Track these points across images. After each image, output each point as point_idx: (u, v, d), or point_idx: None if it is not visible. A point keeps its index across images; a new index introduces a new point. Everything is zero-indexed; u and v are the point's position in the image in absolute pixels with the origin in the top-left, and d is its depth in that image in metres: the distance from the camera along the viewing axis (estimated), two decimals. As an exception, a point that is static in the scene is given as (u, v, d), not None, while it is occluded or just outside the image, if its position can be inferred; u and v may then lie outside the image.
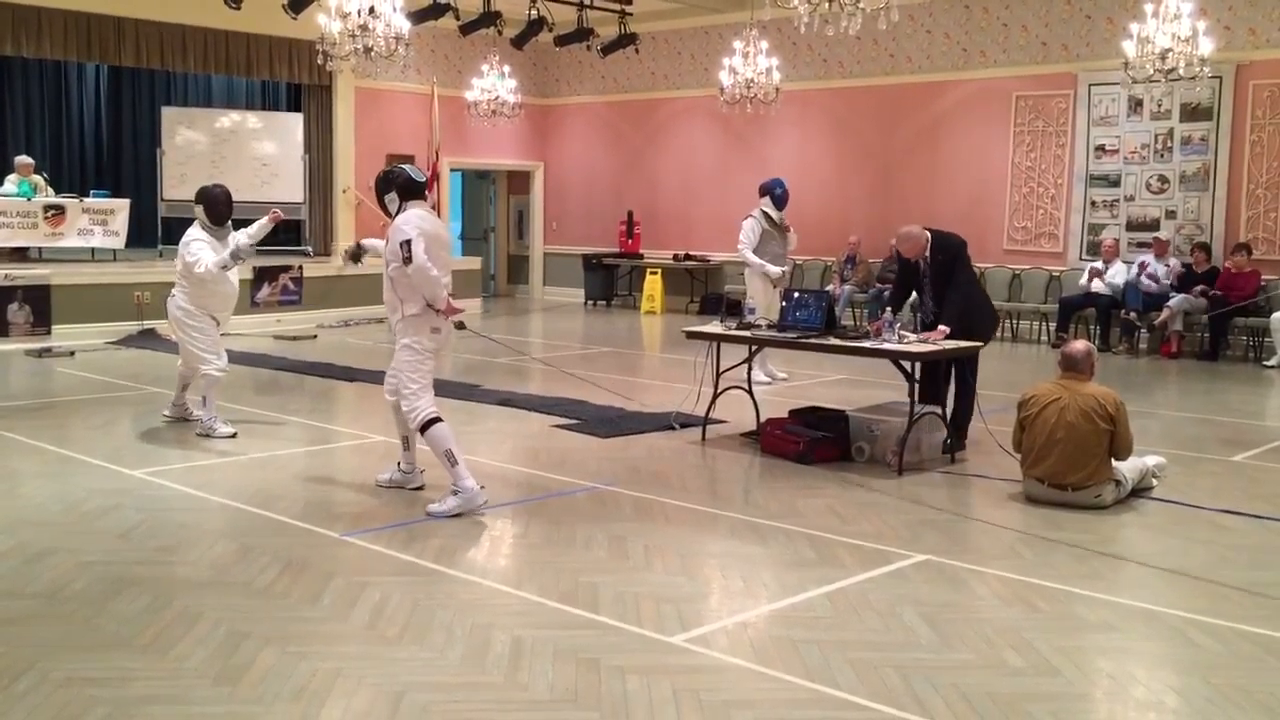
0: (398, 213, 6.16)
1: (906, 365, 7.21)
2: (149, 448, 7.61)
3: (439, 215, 17.69)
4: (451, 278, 6.40)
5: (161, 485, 6.58)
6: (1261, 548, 5.65)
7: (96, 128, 19.79)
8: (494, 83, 16.45)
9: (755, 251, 10.60)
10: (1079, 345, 6.55)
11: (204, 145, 17.00)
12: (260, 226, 8.12)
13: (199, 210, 7.98)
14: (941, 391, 7.53)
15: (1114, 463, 6.33)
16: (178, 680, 3.88)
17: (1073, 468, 6.24)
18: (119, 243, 15.14)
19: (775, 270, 10.61)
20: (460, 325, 6.77)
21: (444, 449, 6.03)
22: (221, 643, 4.20)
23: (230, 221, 8.11)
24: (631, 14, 16.50)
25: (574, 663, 4.06)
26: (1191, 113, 13.29)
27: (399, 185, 6.20)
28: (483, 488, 6.10)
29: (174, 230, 16.84)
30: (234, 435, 7.84)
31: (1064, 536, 5.83)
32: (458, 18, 14.71)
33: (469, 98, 16.65)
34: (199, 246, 7.83)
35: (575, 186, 19.54)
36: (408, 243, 5.93)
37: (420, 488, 6.45)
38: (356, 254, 7.07)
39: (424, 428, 6.08)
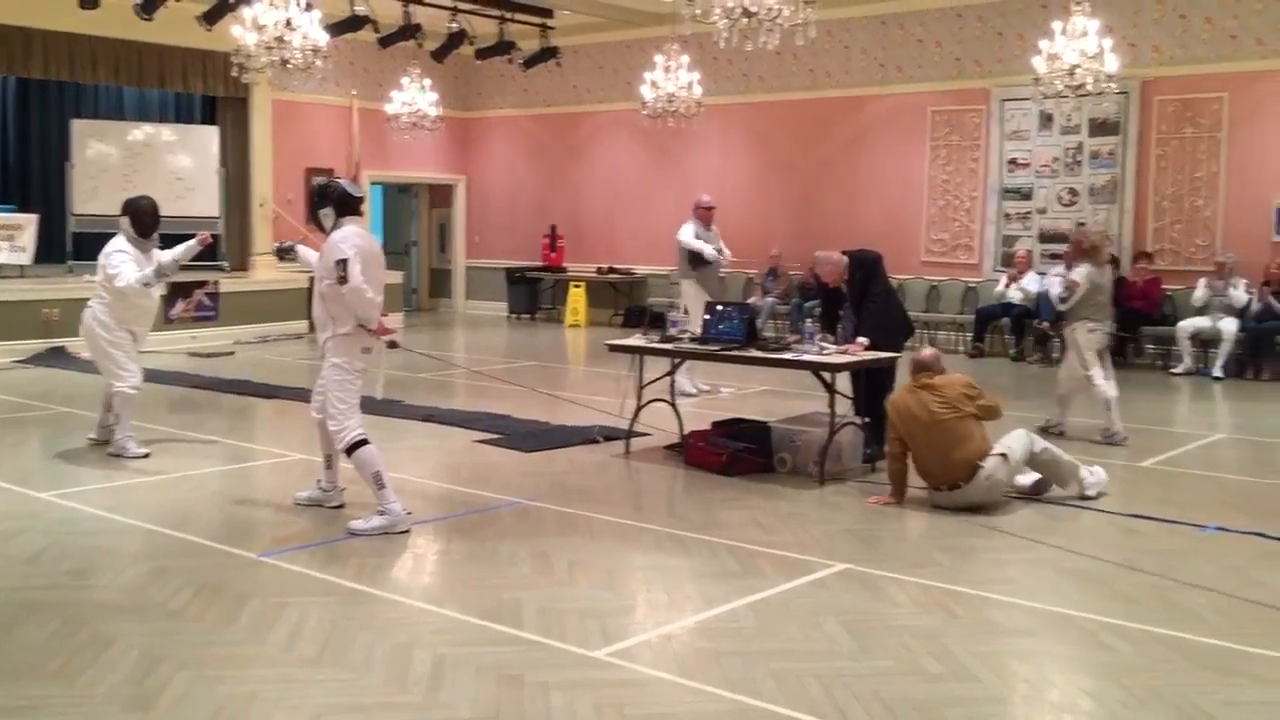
0: (333, 228, 6.02)
1: (826, 376, 7.29)
2: (59, 469, 7.41)
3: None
4: (384, 296, 6.30)
5: (72, 508, 6.41)
6: (1171, 551, 5.80)
7: (3, 141, 19.21)
8: (415, 95, 16.35)
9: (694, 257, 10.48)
10: (928, 352, 6.88)
11: (116, 159, 16.61)
12: (188, 248, 7.91)
13: (124, 222, 7.75)
14: (876, 403, 7.61)
15: (996, 446, 6.53)
16: (87, 708, 3.78)
17: (958, 462, 6.42)
18: (26, 259, 14.74)
19: (710, 251, 10.42)
20: (393, 345, 6.67)
21: (372, 471, 5.93)
22: (133, 668, 4.10)
23: (157, 236, 7.91)
24: (553, 28, 16.53)
25: (496, 680, 4.03)
26: (1099, 127, 13.65)
27: (335, 200, 6.06)
28: (409, 512, 6.02)
29: (84, 246, 16.44)
30: (147, 455, 7.65)
31: (980, 543, 5.93)
32: (377, 30, 14.61)
33: (389, 110, 16.51)
34: (121, 259, 7.61)
35: (498, 200, 19.47)
36: (344, 262, 5.81)
37: (340, 506, 6.36)
38: (284, 252, 6.94)
39: (351, 449, 5.98)
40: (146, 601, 4.86)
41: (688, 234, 10.46)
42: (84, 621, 4.57)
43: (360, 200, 6.19)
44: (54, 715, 3.73)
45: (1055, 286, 8.74)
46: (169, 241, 8.11)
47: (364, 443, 5.98)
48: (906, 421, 6.58)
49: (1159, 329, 12.89)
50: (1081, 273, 8.69)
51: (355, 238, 5.95)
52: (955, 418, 6.49)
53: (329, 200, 6.08)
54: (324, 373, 6.11)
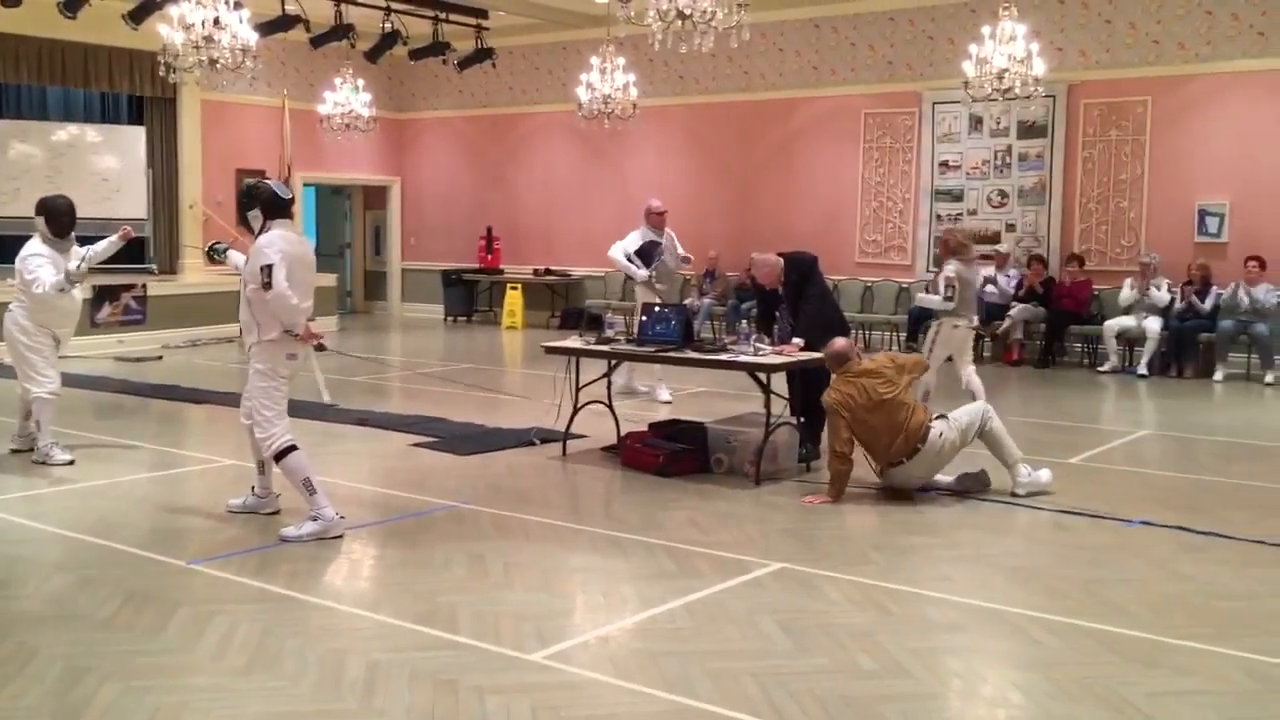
0: (260, 231, 5.92)
1: (762, 377, 7.34)
2: (-21, 477, 7.23)
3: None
4: (314, 300, 6.19)
5: (-7, 516, 6.25)
6: (1098, 546, 5.92)
7: (-79, 141, 18.72)
8: (348, 96, 16.16)
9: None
10: (841, 342, 7.04)
11: (40, 159, 16.24)
12: (109, 244, 7.73)
13: (39, 222, 7.53)
14: (812, 402, 7.66)
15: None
16: (12, 719, 3.70)
17: (914, 430, 6.66)
18: (-54, 262, 14.35)
19: (641, 274, 10.26)
20: (320, 347, 6.57)
21: (301, 477, 5.85)
22: (59, 679, 4.01)
23: (74, 235, 7.69)
24: (488, 29, 16.44)
25: (431, 685, 4.00)
26: (1028, 130, 13.89)
27: (262, 201, 5.95)
28: (341, 517, 5.95)
29: (6, 247, 15.98)
30: (71, 462, 7.47)
31: (914, 541, 6.00)
32: (308, 30, 14.41)
33: (322, 111, 16.31)
34: (38, 263, 7.41)
35: (434, 201, 19.33)
36: (269, 268, 5.70)
37: (276, 512, 6.26)
38: (215, 253, 6.81)
39: (279, 456, 5.90)
40: (72, 611, 4.75)
41: (618, 251, 10.32)
42: (7, 633, 4.46)
43: (290, 202, 6.08)
44: (-26, 730, 3.64)
45: (934, 292, 8.88)
46: (90, 242, 7.89)
47: (292, 449, 5.90)
48: (855, 411, 6.66)
49: (1086, 328, 13.15)
50: (952, 269, 8.87)
51: (281, 242, 5.85)
52: (897, 391, 6.71)
53: (257, 201, 5.97)
54: (250, 379, 6.02)
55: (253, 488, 6.35)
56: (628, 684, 4.05)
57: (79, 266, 7.52)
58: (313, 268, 6.26)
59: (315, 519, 5.84)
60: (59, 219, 7.54)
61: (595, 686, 4.05)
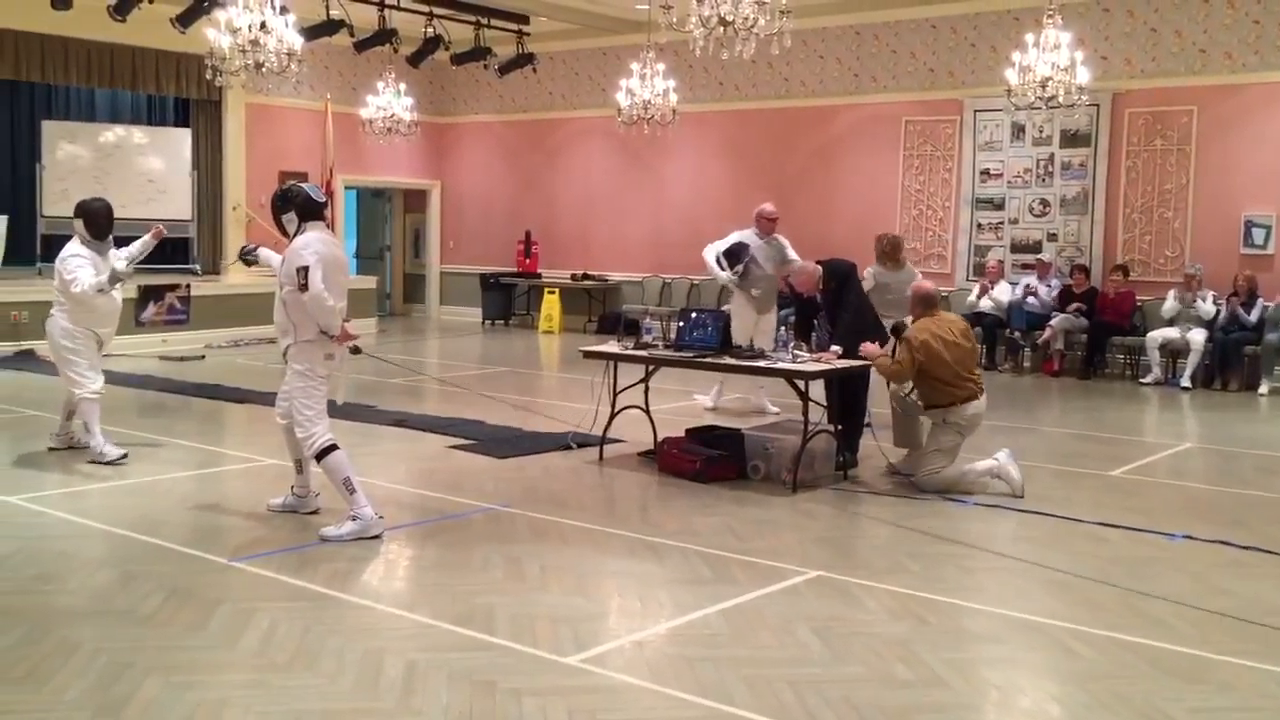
0: (295, 234, 5.97)
1: (800, 384, 7.32)
2: (25, 473, 7.34)
3: (333, 233, 17.52)
4: (347, 301, 6.22)
5: (39, 511, 6.35)
6: (1138, 559, 5.86)
7: (-28, 141, 19.05)
8: (390, 100, 16.29)
9: (742, 277, 9.82)
10: (927, 284, 7.66)
11: (87, 160, 16.48)
12: (143, 244, 7.84)
13: (78, 225, 7.63)
14: (850, 410, 7.66)
15: None
16: (55, 714, 3.75)
17: (978, 375, 7.40)
18: (-6, 260, 14.61)
19: (724, 276, 9.83)
20: (356, 350, 6.61)
21: (342, 477, 5.89)
22: (102, 674, 4.07)
23: (112, 237, 7.79)
24: (529, 34, 16.53)
25: (469, 686, 4.02)
26: (1071, 139, 13.78)
27: (297, 205, 6.00)
28: (380, 517, 5.99)
29: (54, 247, 16.09)
30: (125, 457, 7.54)
31: (951, 551, 5.97)
32: (352, 34, 14.56)
33: (364, 115, 16.45)
34: (78, 264, 7.50)
35: (472, 205, 19.45)
36: (305, 269, 5.76)
37: (315, 511, 6.32)
38: (248, 255, 6.84)
39: (320, 455, 5.94)
40: (115, 607, 4.82)
41: (710, 251, 9.96)
42: (51, 627, 4.53)
43: (324, 205, 6.13)
44: (21, 721, 3.69)
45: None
46: (126, 243, 7.95)
47: (333, 448, 5.94)
48: (938, 341, 7.12)
49: (1128, 339, 13.01)
50: (869, 272, 9.05)
51: (317, 244, 5.90)
52: (970, 347, 7.38)
53: (292, 205, 6.01)
54: (288, 379, 6.07)
55: (292, 487, 6.40)
56: (664, 689, 4.06)
57: (126, 267, 7.62)
58: (346, 270, 6.31)
59: (354, 518, 5.88)
60: (97, 221, 7.62)
61: (631, 691, 4.06)
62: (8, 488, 6.85)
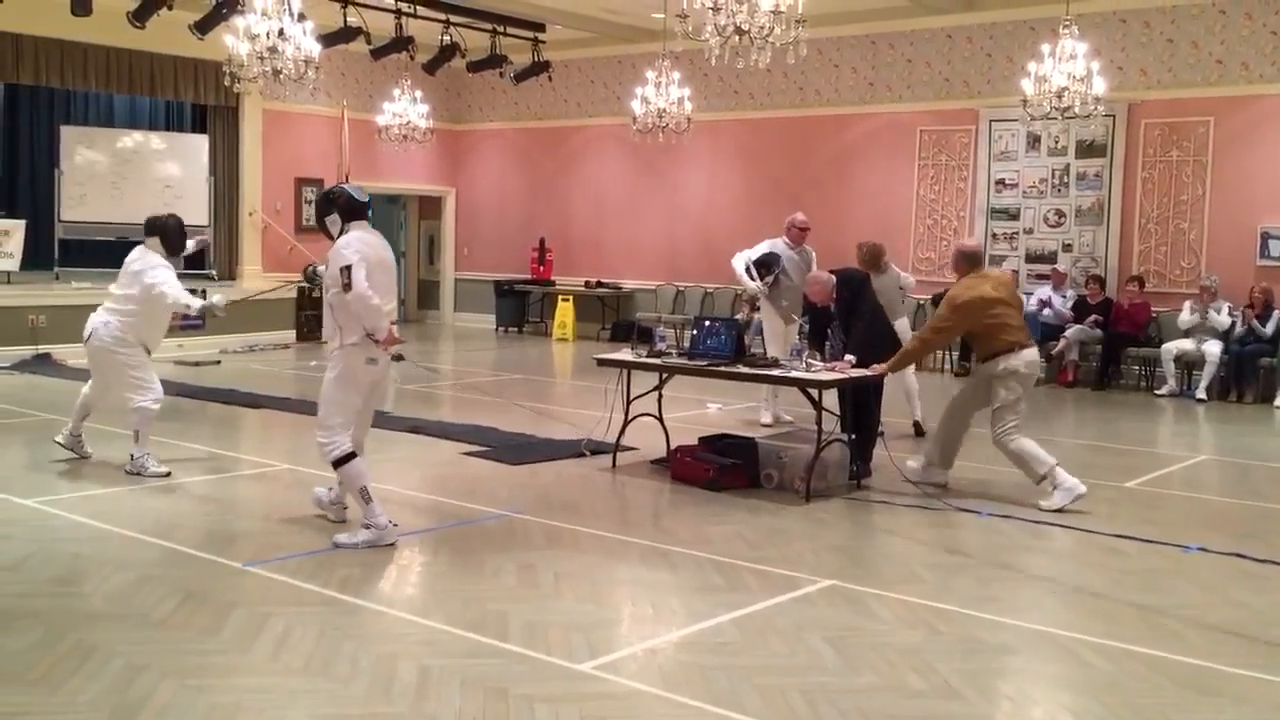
0: (339, 234, 5.90)
1: (814, 393, 7.32)
2: (41, 476, 7.38)
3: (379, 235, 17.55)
4: (396, 305, 6.14)
5: (54, 515, 6.39)
6: (1153, 571, 5.84)
7: (-9, 146, 19.20)
8: (405, 107, 16.36)
9: (772, 287, 9.73)
10: (974, 242, 7.92)
11: (105, 166, 16.59)
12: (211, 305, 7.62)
13: (154, 242, 7.46)
14: (863, 420, 7.65)
15: None
16: (71, 716, 3.77)
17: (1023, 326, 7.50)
18: (13, 264, 14.69)
19: (754, 286, 9.77)
20: (398, 357, 6.53)
21: (359, 486, 5.85)
22: (117, 677, 4.09)
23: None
24: (544, 42, 16.58)
25: (482, 692, 4.03)
26: (1087, 149, 13.75)
27: (340, 206, 5.93)
28: (395, 524, 5.96)
29: (71, 252, 16.45)
30: (168, 475, 7.34)
31: (964, 561, 5.96)
32: (369, 41, 14.63)
33: (380, 122, 16.53)
34: (166, 274, 7.33)
35: (487, 212, 19.50)
36: (348, 268, 5.67)
37: (341, 520, 6.23)
38: (312, 276, 6.74)
39: (338, 463, 5.89)
40: (130, 610, 4.84)
41: (740, 260, 9.85)
42: (67, 630, 4.56)
43: (367, 205, 6.03)
44: (36, 723, 3.72)
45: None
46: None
47: (352, 456, 5.91)
48: (997, 291, 7.31)
49: (1143, 350, 12.97)
50: None
51: (359, 243, 5.82)
52: (1020, 302, 7.63)
53: (334, 206, 5.94)
54: (324, 383, 5.96)
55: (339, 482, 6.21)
56: (676, 696, 4.06)
57: (222, 305, 7.55)
58: (393, 271, 6.19)
59: (369, 526, 5.87)
60: (172, 237, 7.52)
61: (643, 698, 4.07)
62: (24, 490, 6.90)
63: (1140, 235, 13.52)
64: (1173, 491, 7.88)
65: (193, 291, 7.87)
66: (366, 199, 6.07)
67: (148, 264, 7.38)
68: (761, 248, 9.93)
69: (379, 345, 5.89)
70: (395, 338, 5.97)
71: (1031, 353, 7.37)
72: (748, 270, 9.79)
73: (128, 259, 7.54)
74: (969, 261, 7.53)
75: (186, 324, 14.70)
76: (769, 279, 9.68)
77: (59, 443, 7.80)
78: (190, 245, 7.88)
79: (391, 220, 20.82)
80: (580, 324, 17.66)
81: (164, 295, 7.30)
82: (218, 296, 7.62)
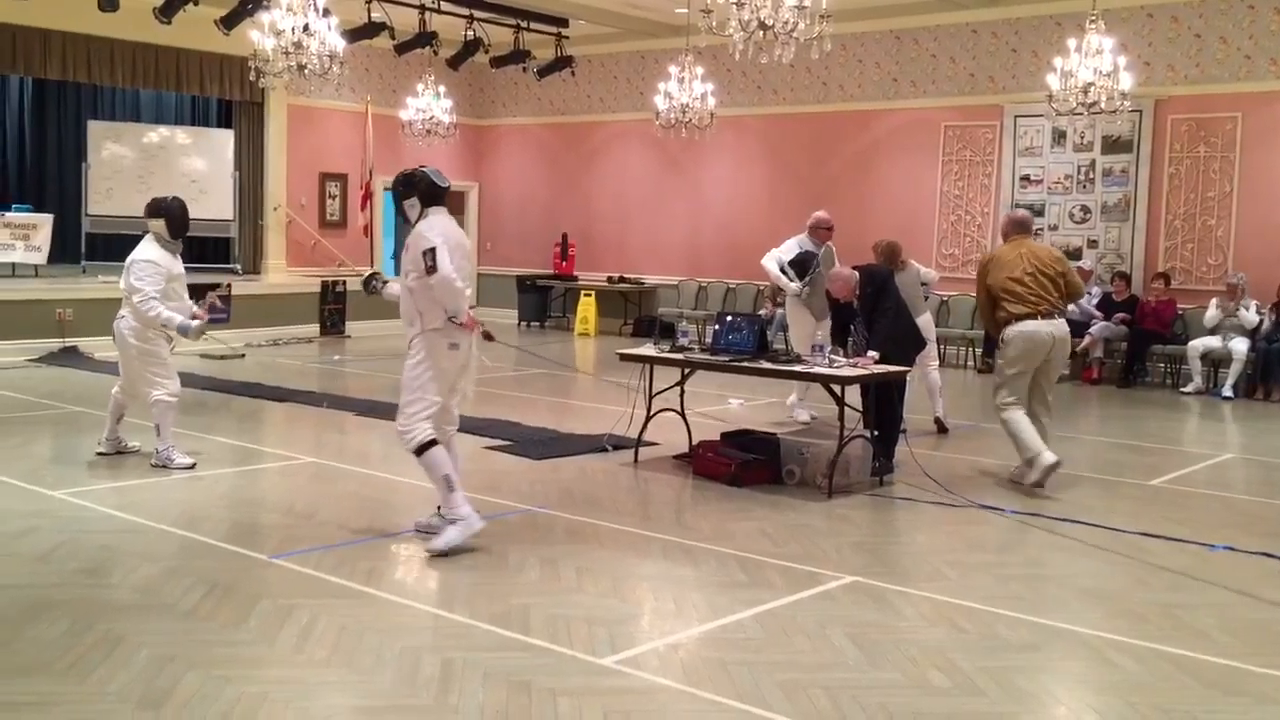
0: (418, 219, 5.81)
1: (836, 389, 7.31)
2: (69, 468, 7.45)
3: (369, 234, 17.62)
4: (474, 290, 6.04)
5: (82, 506, 6.45)
6: (1178, 570, 5.80)
7: (20, 141, 19.38)
8: (429, 102, 16.41)
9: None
10: (1021, 211, 8.07)
11: (131, 160, 16.72)
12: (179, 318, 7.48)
13: (158, 225, 7.49)
14: (886, 416, 7.63)
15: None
16: (99, 705, 3.81)
17: (1053, 296, 7.53)
18: (41, 258, 14.84)
19: (794, 287, 9.70)
20: (489, 336, 6.23)
21: (442, 474, 5.70)
22: (144, 667, 4.13)
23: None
24: (568, 37, 16.60)
25: (505, 685, 4.05)
26: (1113, 145, 13.66)
27: (421, 190, 5.80)
28: (478, 511, 5.85)
29: (98, 246, 16.58)
30: (193, 466, 7.40)
31: (987, 558, 5.94)
32: (393, 37, 14.69)
33: (404, 117, 16.58)
34: (148, 270, 7.32)
35: (510, 208, 19.53)
36: (432, 251, 5.59)
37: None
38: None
39: (420, 450, 5.73)
40: (157, 601, 4.88)
41: (772, 261, 9.84)
42: (95, 620, 4.60)
43: (447, 189, 5.92)
44: (65, 712, 3.75)
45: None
46: (187, 243, 7.91)
47: (433, 443, 5.73)
48: (1020, 261, 7.45)
49: (1169, 348, 12.88)
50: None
51: (442, 227, 5.73)
52: (1057, 272, 7.55)
53: (415, 190, 5.83)
54: (405, 370, 5.82)
55: (439, 509, 5.99)
56: (698, 691, 4.07)
57: (197, 329, 7.45)
58: (469, 255, 6.09)
59: (453, 521, 5.71)
60: (177, 221, 7.54)
61: (666, 693, 4.07)
62: (52, 482, 6.96)
63: (1166, 232, 13.42)
64: (1199, 490, 7.82)
65: (197, 290, 7.81)
66: (447, 184, 5.97)
67: (134, 259, 7.41)
68: (789, 246, 9.91)
69: (462, 329, 5.77)
70: (475, 320, 5.86)
71: (1028, 325, 7.40)
72: (784, 272, 9.77)
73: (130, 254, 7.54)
74: (1009, 227, 7.85)
75: (212, 317, 14.83)
76: (807, 280, 9.63)
77: (102, 452, 7.74)
78: (202, 309, 7.67)
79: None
80: (602, 319, 17.67)
81: (142, 300, 7.25)
82: (197, 322, 7.47)
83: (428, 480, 5.95)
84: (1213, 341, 12.38)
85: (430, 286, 5.63)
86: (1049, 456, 7.25)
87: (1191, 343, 12.54)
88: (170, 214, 7.54)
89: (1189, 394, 12.35)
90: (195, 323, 7.48)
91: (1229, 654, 4.58)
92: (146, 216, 7.59)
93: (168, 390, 7.47)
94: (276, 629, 4.56)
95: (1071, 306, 13.17)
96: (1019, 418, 7.37)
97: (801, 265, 9.70)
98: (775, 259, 9.86)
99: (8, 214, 15.05)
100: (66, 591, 4.97)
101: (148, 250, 7.47)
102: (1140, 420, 10.78)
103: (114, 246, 16.70)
